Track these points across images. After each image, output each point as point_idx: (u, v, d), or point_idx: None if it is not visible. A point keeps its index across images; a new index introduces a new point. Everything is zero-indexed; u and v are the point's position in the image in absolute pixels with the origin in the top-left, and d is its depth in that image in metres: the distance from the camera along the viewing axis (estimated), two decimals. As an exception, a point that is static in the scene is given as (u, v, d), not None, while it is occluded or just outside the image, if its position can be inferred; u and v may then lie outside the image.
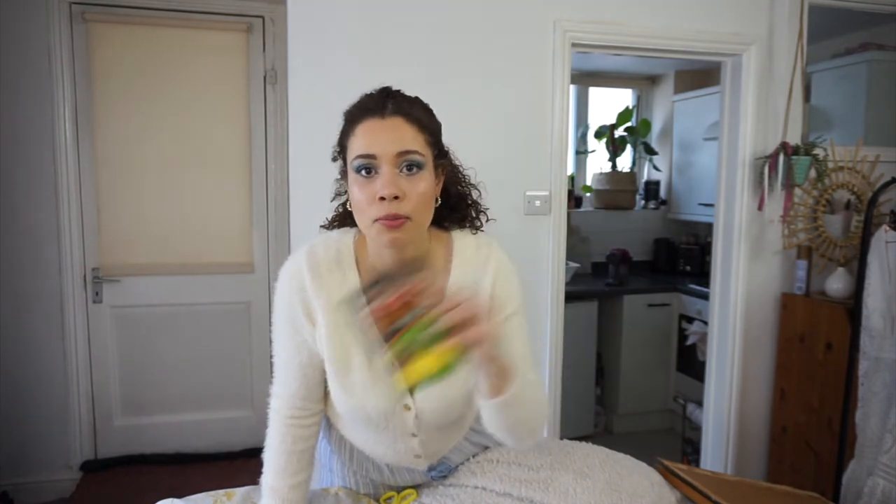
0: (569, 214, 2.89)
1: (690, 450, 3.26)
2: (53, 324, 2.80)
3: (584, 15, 2.25)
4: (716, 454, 2.64)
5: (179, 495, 1.16)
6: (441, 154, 1.05)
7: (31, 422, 2.80)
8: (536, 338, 2.36)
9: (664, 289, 3.76)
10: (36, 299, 2.77)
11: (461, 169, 1.15)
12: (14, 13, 2.63)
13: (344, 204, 1.10)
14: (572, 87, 3.85)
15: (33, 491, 2.79)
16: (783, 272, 2.55)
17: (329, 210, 1.18)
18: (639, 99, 4.41)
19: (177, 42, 2.88)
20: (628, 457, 1.24)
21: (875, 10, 2.58)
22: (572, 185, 4.10)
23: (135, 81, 2.86)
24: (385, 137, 0.95)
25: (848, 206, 2.47)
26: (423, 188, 0.97)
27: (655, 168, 4.24)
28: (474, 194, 1.17)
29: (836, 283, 2.40)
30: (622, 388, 3.70)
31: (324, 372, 1.08)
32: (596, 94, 4.33)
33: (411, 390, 1.00)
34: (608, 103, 4.35)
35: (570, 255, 3.15)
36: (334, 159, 1.07)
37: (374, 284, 0.82)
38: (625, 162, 4.24)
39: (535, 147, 2.26)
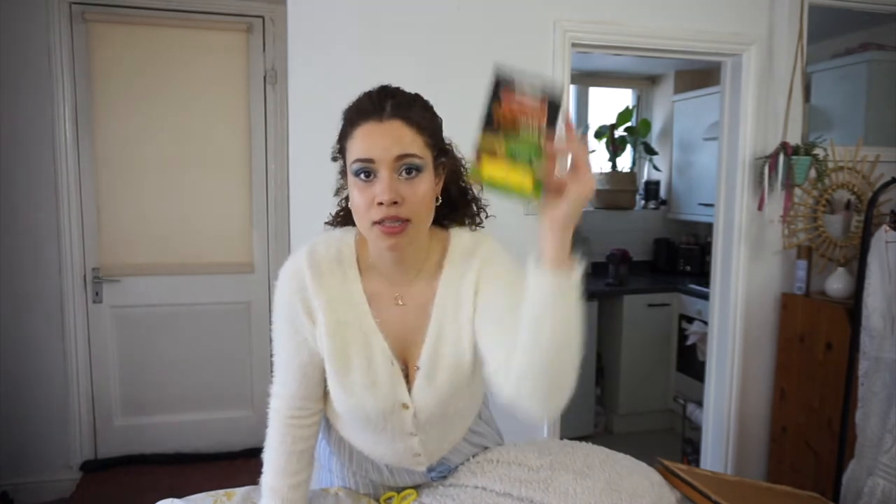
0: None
1: (690, 450, 3.26)
2: (53, 324, 2.80)
3: (584, 15, 2.25)
4: (716, 454, 2.63)
5: (179, 495, 1.16)
6: (441, 153, 1.05)
7: (31, 422, 2.80)
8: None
9: (664, 289, 3.76)
10: (36, 299, 2.77)
11: (463, 162, 1.14)
12: (14, 13, 2.63)
13: (346, 200, 1.09)
14: (572, 87, 3.87)
15: (33, 491, 2.79)
16: (783, 272, 2.55)
17: (330, 208, 1.18)
18: (639, 99, 4.41)
19: (177, 42, 2.88)
20: (628, 457, 1.24)
21: (875, 10, 2.58)
22: (572, 185, 4.09)
23: (135, 81, 2.86)
24: (383, 141, 0.95)
25: (848, 206, 2.47)
26: (423, 191, 0.97)
27: (655, 168, 4.24)
28: (475, 189, 1.16)
29: (836, 283, 2.40)
30: (622, 388, 3.70)
31: (324, 371, 1.08)
32: (596, 94, 4.33)
33: (480, 186, 0.94)
34: (608, 103, 4.35)
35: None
36: (334, 159, 1.07)
37: (507, 81, 0.81)
38: (625, 162, 4.24)
39: (535, 147, 2.26)
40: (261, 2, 2.92)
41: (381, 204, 0.93)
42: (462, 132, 1.05)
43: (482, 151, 0.80)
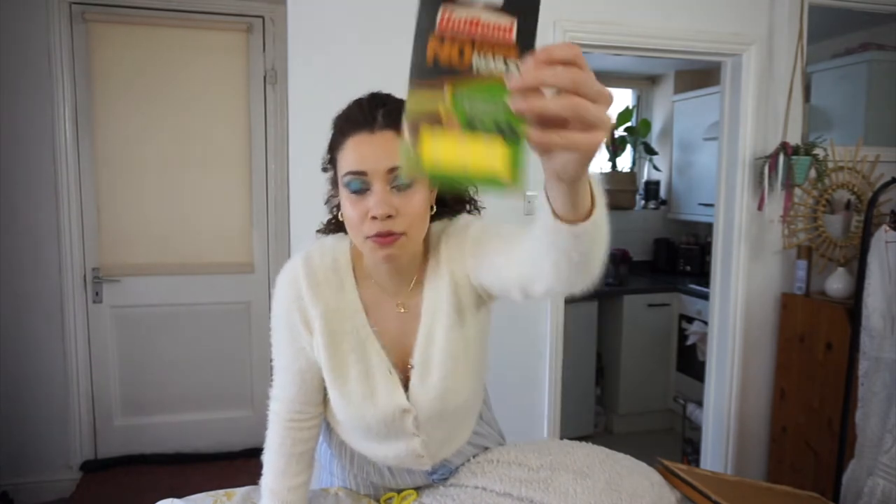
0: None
1: (690, 450, 3.26)
2: (53, 324, 2.80)
3: (584, 15, 2.25)
4: (716, 454, 2.63)
5: (179, 495, 1.16)
6: None
7: (31, 422, 2.80)
8: (536, 338, 2.36)
9: (664, 289, 3.76)
10: (36, 299, 2.77)
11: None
12: (14, 13, 2.63)
13: (338, 207, 1.06)
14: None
15: (33, 491, 2.79)
16: (783, 272, 2.55)
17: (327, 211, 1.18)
18: (639, 99, 4.41)
19: (177, 42, 2.88)
20: (628, 457, 1.24)
21: (875, 10, 2.58)
22: (572, 185, 4.09)
23: (135, 81, 2.86)
24: (376, 153, 0.92)
25: (848, 206, 2.47)
26: (417, 203, 0.95)
27: (655, 168, 4.24)
28: (471, 190, 1.13)
29: (836, 283, 2.40)
30: (622, 388, 3.70)
31: (322, 378, 1.07)
32: (596, 94, 4.32)
33: (422, 177, 0.71)
34: (608, 103, 4.34)
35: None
36: (325, 169, 1.05)
37: None
38: (625, 162, 4.24)
39: (535, 147, 2.26)
40: (261, 2, 2.92)
41: (374, 218, 0.92)
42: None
43: (418, 120, 0.50)
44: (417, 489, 1.20)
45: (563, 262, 0.68)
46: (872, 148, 2.52)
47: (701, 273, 3.82)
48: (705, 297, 3.04)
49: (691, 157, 3.92)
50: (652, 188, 4.26)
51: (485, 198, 1.17)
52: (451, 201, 1.11)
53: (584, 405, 3.62)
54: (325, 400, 1.11)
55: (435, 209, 1.03)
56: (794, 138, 2.43)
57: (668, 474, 1.26)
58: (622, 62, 3.89)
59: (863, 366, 2.15)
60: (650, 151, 4.16)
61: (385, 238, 0.93)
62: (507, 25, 0.50)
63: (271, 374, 1.13)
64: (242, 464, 2.97)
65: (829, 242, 2.46)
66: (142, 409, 3.00)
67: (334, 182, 1.03)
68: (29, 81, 2.67)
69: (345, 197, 0.96)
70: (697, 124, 3.79)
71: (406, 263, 1.03)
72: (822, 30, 2.83)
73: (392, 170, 0.92)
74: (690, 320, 3.58)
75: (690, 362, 3.59)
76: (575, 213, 0.61)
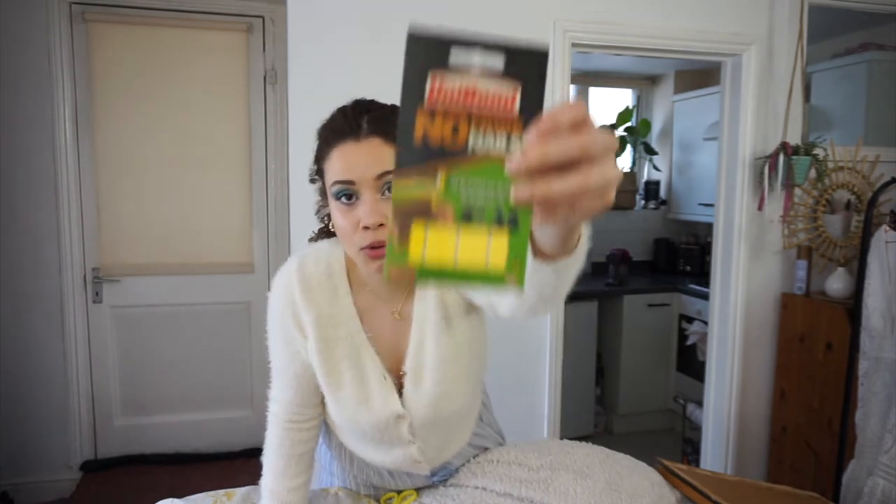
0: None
1: (690, 450, 3.26)
2: (53, 324, 2.80)
3: (584, 15, 2.25)
4: (716, 454, 2.63)
5: (179, 495, 1.16)
6: None
7: (31, 422, 2.80)
8: (536, 338, 2.36)
9: (664, 289, 3.76)
10: (36, 299, 2.77)
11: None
12: (14, 13, 2.63)
13: (328, 217, 1.05)
14: (572, 87, 3.86)
15: (33, 491, 2.79)
16: (783, 272, 2.55)
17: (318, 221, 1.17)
18: (639, 99, 4.41)
19: (177, 42, 2.89)
20: (628, 457, 1.24)
21: (875, 10, 2.58)
22: (572, 185, 4.09)
23: (135, 81, 2.86)
24: (363, 161, 0.91)
25: (848, 206, 2.47)
26: None
27: (655, 168, 4.24)
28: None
29: (836, 283, 2.40)
30: (622, 388, 3.70)
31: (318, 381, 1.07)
32: (596, 94, 4.33)
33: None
34: (608, 103, 4.35)
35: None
36: (312, 180, 1.03)
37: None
38: (625, 162, 4.24)
39: (535, 147, 2.26)
40: (261, 2, 2.92)
41: (366, 228, 0.91)
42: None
43: (405, 210, 0.44)
44: (417, 490, 1.20)
45: (532, 294, 0.65)
46: (872, 148, 2.52)
47: (701, 273, 3.82)
48: (705, 297, 3.04)
49: (691, 157, 3.92)
50: (652, 188, 4.27)
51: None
52: None
53: (584, 405, 3.62)
54: (323, 402, 1.11)
55: None
56: (794, 138, 2.43)
57: (668, 474, 1.26)
58: (622, 62, 3.89)
59: (863, 366, 2.15)
60: (650, 151, 4.16)
61: (378, 250, 0.92)
62: (509, 95, 0.43)
63: (271, 375, 1.13)
64: (242, 464, 2.97)
65: (829, 242, 2.46)
66: (142, 409, 3.00)
67: (323, 192, 1.01)
68: (29, 81, 2.67)
69: (334, 207, 0.95)
70: (697, 124, 3.79)
71: None
72: (822, 30, 2.83)
73: (381, 176, 0.91)
74: (690, 320, 3.58)
75: (690, 362, 3.59)
76: (562, 250, 0.57)
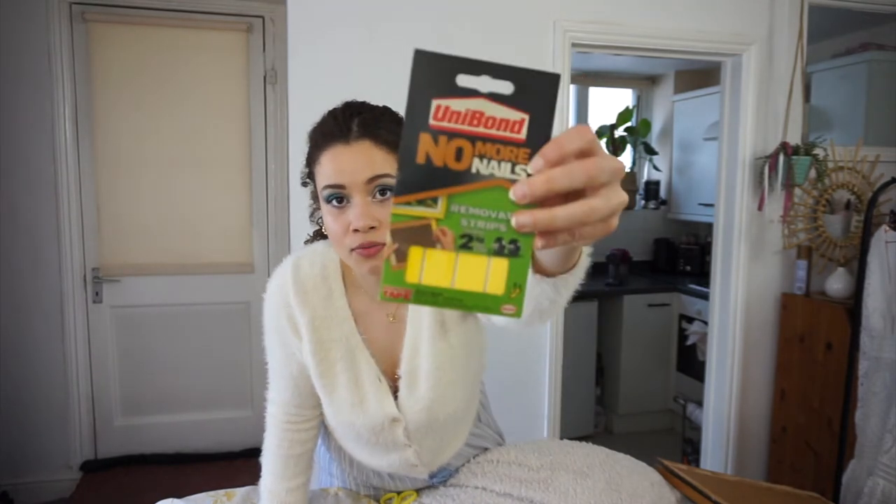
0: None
1: (690, 450, 3.26)
2: (53, 324, 2.80)
3: (584, 15, 2.25)
4: (716, 454, 2.63)
5: (179, 495, 1.16)
6: None
7: (31, 422, 2.80)
8: (536, 338, 2.36)
9: (664, 289, 3.76)
10: (36, 299, 2.77)
11: None
12: (14, 13, 2.63)
13: (321, 220, 1.05)
14: (572, 87, 3.86)
15: (33, 491, 2.79)
16: (783, 272, 2.55)
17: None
18: (639, 99, 4.41)
19: (177, 42, 2.89)
20: (628, 457, 1.24)
21: (875, 10, 2.58)
22: (572, 185, 4.09)
23: (135, 81, 2.86)
24: (353, 165, 0.90)
25: (848, 206, 2.47)
26: None
27: (655, 168, 4.24)
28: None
29: (836, 283, 2.40)
30: (622, 388, 3.70)
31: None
32: (596, 94, 4.33)
33: (403, 297, 0.50)
34: (608, 103, 4.35)
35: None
36: (304, 184, 1.03)
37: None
38: (625, 162, 4.24)
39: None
40: (261, 2, 2.92)
41: (356, 231, 0.90)
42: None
43: (404, 234, 0.43)
44: (417, 490, 1.20)
45: (528, 307, 0.64)
46: (872, 148, 2.52)
47: (701, 273, 3.82)
48: (705, 297, 3.04)
49: (691, 157, 3.92)
50: (652, 188, 4.27)
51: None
52: None
53: (584, 405, 3.62)
54: (321, 403, 1.11)
55: None
56: (794, 138, 2.43)
57: (668, 474, 1.26)
58: (622, 62, 3.89)
59: (863, 366, 2.15)
60: (650, 151, 4.17)
61: (369, 250, 0.91)
62: (517, 121, 0.42)
63: (268, 376, 1.13)
64: (242, 464, 2.97)
65: (829, 242, 2.46)
66: (142, 409, 3.00)
67: (315, 196, 1.01)
68: (29, 81, 2.67)
69: (326, 211, 0.94)
70: (697, 124, 3.79)
71: None
72: (822, 30, 2.83)
73: (371, 180, 0.90)
74: (690, 320, 3.58)
75: (690, 362, 3.59)
76: (564, 266, 0.56)
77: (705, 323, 3.14)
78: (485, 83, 0.42)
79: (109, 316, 2.93)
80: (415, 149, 0.42)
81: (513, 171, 0.43)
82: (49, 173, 2.73)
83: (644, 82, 4.37)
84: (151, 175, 2.92)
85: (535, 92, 0.42)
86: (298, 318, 1.03)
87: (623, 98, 4.40)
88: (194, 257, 3.00)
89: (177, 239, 2.98)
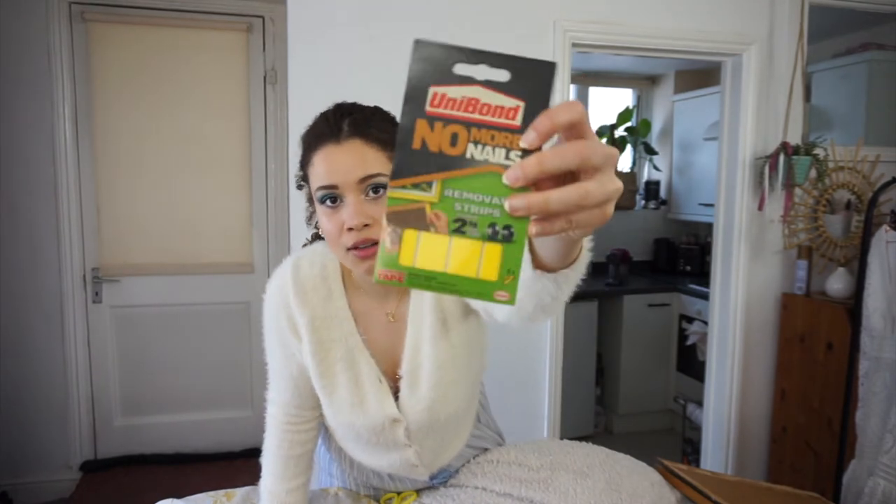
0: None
1: (690, 450, 3.25)
2: (53, 324, 2.80)
3: (584, 15, 2.25)
4: (716, 454, 2.63)
5: (179, 495, 1.16)
6: None
7: (30, 422, 2.80)
8: (536, 338, 2.36)
9: (664, 289, 3.76)
10: (36, 299, 2.77)
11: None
12: (14, 13, 2.63)
13: (318, 226, 1.05)
14: (572, 87, 3.87)
15: (33, 491, 2.79)
16: (783, 272, 2.55)
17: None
18: (639, 99, 4.41)
19: (177, 42, 2.88)
20: (628, 457, 1.24)
21: (875, 10, 2.58)
22: (572, 185, 4.09)
23: (135, 81, 2.86)
24: (344, 164, 0.91)
25: (848, 206, 2.47)
26: None
27: (655, 168, 4.24)
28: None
29: (837, 283, 2.40)
30: (622, 388, 3.70)
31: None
32: (596, 93, 4.33)
33: (399, 279, 0.48)
34: (608, 103, 4.35)
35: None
36: (299, 187, 1.03)
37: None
38: (625, 162, 4.24)
39: (535, 147, 2.26)
40: (261, 2, 2.92)
41: (350, 229, 0.91)
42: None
43: (399, 216, 0.43)
44: (417, 490, 1.20)
45: (530, 303, 0.64)
46: (873, 148, 2.52)
47: (701, 273, 3.82)
48: (705, 297, 3.04)
49: (691, 157, 3.92)
50: (652, 188, 4.27)
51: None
52: None
53: (584, 405, 3.62)
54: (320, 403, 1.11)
55: None
56: (795, 138, 2.43)
57: (668, 474, 1.26)
58: (622, 62, 3.89)
59: (863, 366, 2.15)
60: (650, 151, 4.16)
61: (365, 251, 0.91)
62: (512, 108, 0.43)
63: (268, 377, 1.13)
64: (242, 464, 2.97)
65: (829, 242, 2.46)
66: (141, 410, 3.00)
67: (310, 199, 1.01)
68: (29, 81, 2.67)
69: (320, 212, 0.95)
70: (697, 124, 3.79)
71: None
72: (823, 30, 2.83)
73: (363, 179, 0.91)
74: (690, 320, 3.58)
75: (690, 362, 3.59)
76: (565, 261, 0.55)
77: (705, 323, 3.14)
78: (482, 71, 0.42)
79: (109, 316, 2.93)
80: (411, 134, 0.42)
81: (507, 157, 0.43)
82: (49, 173, 2.73)
83: (644, 82, 4.37)
84: (151, 175, 2.92)
85: (530, 80, 0.43)
86: (298, 319, 1.02)
87: (623, 98, 4.40)
88: (194, 257, 3.00)
89: (177, 239, 2.98)
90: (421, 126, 0.42)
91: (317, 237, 1.15)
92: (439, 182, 0.43)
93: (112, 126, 2.86)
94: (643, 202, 4.27)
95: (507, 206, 0.43)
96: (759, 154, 2.44)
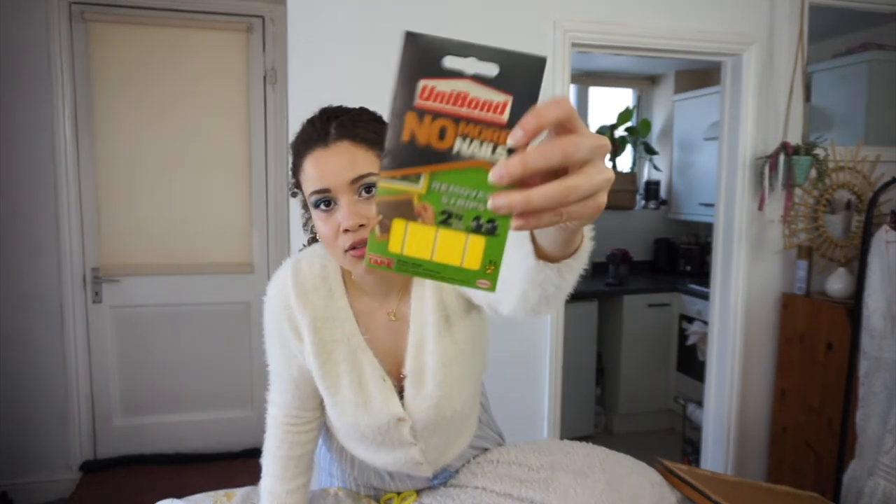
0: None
1: (690, 450, 3.25)
2: (53, 324, 2.80)
3: (584, 15, 2.25)
4: (716, 454, 2.63)
5: (179, 495, 1.16)
6: None
7: (30, 422, 2.80)
8: (536, 338, 2.36)
9: (664, 289, 3.76)
10: (36, 299, 2.77)
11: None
12: (14, 13, 2.63)
13: (314, 231, 1.06)
14: (572, 87, 3.87)
15: (33, 491, 2.79)
16: (783, 272, 2.55)
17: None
18: (639, 99, 4.41)
19: (176, 42, 2.88)
20: (628, 457, 1.24)
21: (875, 9, 2.58)
22: (572, 185, 4.09)
23: (135, 81, 2.86)
24: (335, 167, 0.91)
25: (848, 206, 2.47)
26: None
27: (655, 168, 4.24)
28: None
29: (837, 283, 2.40)
30: (622, 388, 3.70)
31: (316, 385, 1.07)
32: (596, 93, 4.33)
33: (387, 265, 0.48)
34: (608, 103, 4.35)
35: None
36: (293, 194, 1.03)
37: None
38: (625, 162, 4.24)
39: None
40: (261, 2, 2.92)
41: (346, 231, 0.91)
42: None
43: (388, 207, 0.45)
44: (417, 491, 1.20)
45: (534, 294, 0.64)
46: (873, 148, 2.52)
47: (701, 273, 3.82)
48: (705, 297, 3.04)
49: (691, 157, 3.92)
50: (652, 188, 4.26)
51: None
52: None
53: (584, 405, 3.62)
54: (322, 405, 1.11)
55: None
56: (795, 138, 2.43)
57: (668, 474, 1.25)
58: (622, 62, 3.89)
59: (863, 366, 2.15)
60: (650, 151, 4.16)
61: (363, 250, 0.91)
62: (500, 103, 0.43)
63: (269, 378, 1.13)
64: (242, 464, 2.97)
65: (829, 242, 2.46)
66: (141, 410, 3.00)
67: (305, 205, 1.02)
68: (28, 81, 2.67)
69: (316, 216, 0.95)
70: (697, 124, 3.79)
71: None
72: (823, 30, 2.83)
73: (354, 180, 0.91)
74: (690, 320, 3.58)
75: (690, 362, 3.59)
76: (565, 252, 0.56)
77: (705, 323, 3.14)
78: (471, 65, 0.42)
79: (109, 316, 2.92)
80: (401, 126, 0.43)
81: (494, 153, 0.43)
82: (49, 173, 2.73)
83: (644, 82, 4.37)
84: (151, 175, 2.92)
85: (519, 74, 0.43)
86: (299, 320, 1.03)
87: (623, 98, 4.40)
88: (194, 257, 3.00)
89: (177, 239, 2.98)
90: (410, 119, 0.43)
91: (314, 241, 1.15)
92: (427, 175, 0.44)
93: (112, 126, 2.86)
94: (643, 202, 4.27)
95: (489, 204, 0.43)
96: (759, 154, 2.44)
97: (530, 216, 0.43)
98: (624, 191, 4.05)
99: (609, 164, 4.04)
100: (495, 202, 0.43)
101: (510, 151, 0.43)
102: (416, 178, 0.44)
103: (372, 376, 1.03)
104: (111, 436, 2.97)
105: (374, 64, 2.09)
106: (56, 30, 2.68)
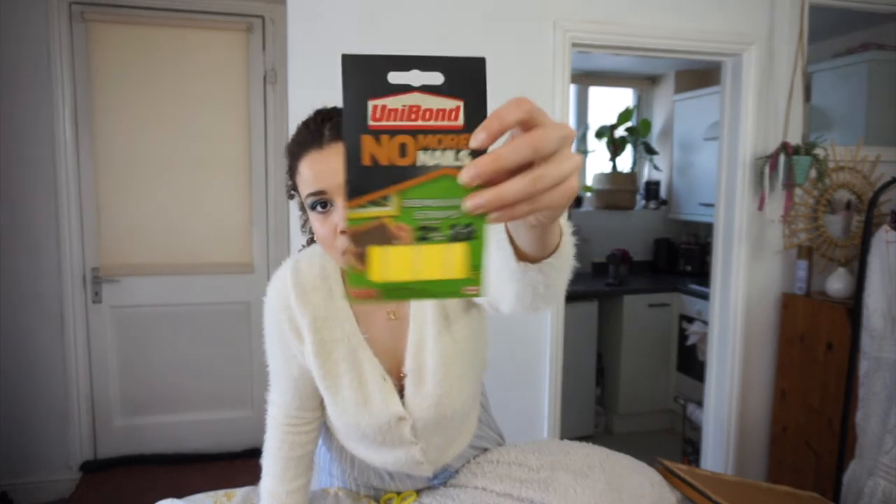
0: (569, 214, 2.88)
1: (690, 450, 3.25)
2: (53, 324, 2.80)
3: (584, 15, 2.25)
4: (716, 454, 2.63)
5: (179, 495, 1.16)
6: None
7: (30, 422, 2.80)
8: (536, 338, 2.36)
9: (664, 289, 3.76)
10: (36, 299, 2.77)
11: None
12: (14, 12, 2.63)
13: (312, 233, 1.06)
14: (572, 87, 3.86)
15: (33, 491, 2.79)
16: (783, 272, 2.55)
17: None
18: (639, 99, 4.41)
19: (176, 42, 2.88)
20: (628, 457, 1.24)
21: (875, 9, 2.58)
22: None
23: (135, 81, 2.86)
24: (329, 168, 0.91)
25: (848, 206, 2.47)
26: None
27: (656, 168, 4.24)
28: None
29: (837, 283, 2.40)
30: (622, 388, 3.70)
31: (317, 386, 1.07)
32: (596, 93, 4.33)
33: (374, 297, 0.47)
34: (608, 103, 4.35)
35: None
36: (290, 196, 1.04)
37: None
38: (625, 162, 4.24)
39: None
40: (261, 2, 2.92)
41: (344, 232, 0.91)
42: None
43: (362, 236, 0.44)
44: (417, 491, 1.20)
45: (527, 293, 0.65)
46: (873, 148, 2.52)
47: (701, 273, 3.82)
48: (705, 297, 3.04)
49: (691, 157, 3.92)
50: (652, 188, 4.26)
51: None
52: None
53: (584, 405, 3.62)
54: (322, 405, 1.11)
55: None
56: (795, 138, 2.43)
57: (668, 474, 1.25)
58: (622, 62, 3.89)
59: (863, 366, 2.15)
60: (650, 151, 4.16)
61: None
62: (453, 108, 0.43)
63: (269, 378, 1.13)
64: (242, 464, 2.97)
65: (829, 242, 2.46)
66: (141, 410, 3.00)
67: (302, 207, 1.02)
68: (28, 81, 2.67)
69: (313, 218, 0.96)
70: (697, 124, 3.79)
71: None
72: (823, 30, 2.83)
73: None
74: (690, 320, 3.58)
75: (690, 362, 3.59)
76: (543, 251, 0.57)
77: (705, 323, 3.14)
78: (416, 77, 0.42)
79: (109, 316, 2.92)
80: (359, 151, 0.42)
81: (457, 158, 0.43)
82: (49, 173, 2.73)
83: (644, 82, 4.37)
84: (151, 175, 2.92)
85: (464, 78, 0.43)
86: (300, 320, 1.03)
87: (623, 98, 4.40)
88: (194, 257, 3.00)
89: (177, 239, 2.98)
90: (367, 142, 0.42)
91: (312, 242, 1.15)
92: (396, 195, 0.43)
93: (112, 126, 2.86)
94: (643, 202, 4.27)
95: (464, 207, 0.43)
96: (760, 154, 2.44)
97: (504, 209, 0.43)
98: (624, 191, 4.05)
99: (609, 164, 4.06)
100: (473, 203, 0.43)
101: (473, 154, 0.43)
102: (386, 201, 0.43)
103: (372, 375, 1.03)
104: (111, 436, 2.97)
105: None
106: (56, 30, 2.68)
